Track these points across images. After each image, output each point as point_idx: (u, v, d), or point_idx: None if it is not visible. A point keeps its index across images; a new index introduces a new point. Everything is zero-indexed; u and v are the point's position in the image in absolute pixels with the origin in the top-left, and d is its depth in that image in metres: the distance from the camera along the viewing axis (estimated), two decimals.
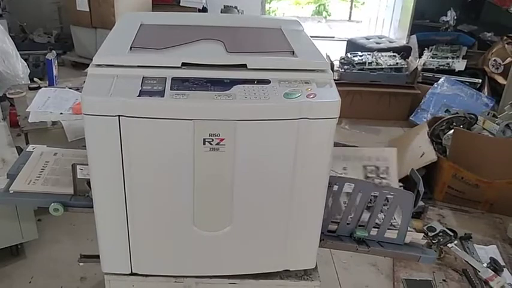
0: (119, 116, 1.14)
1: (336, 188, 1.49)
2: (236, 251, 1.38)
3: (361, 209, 1.51)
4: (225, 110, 1.16)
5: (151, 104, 1.14)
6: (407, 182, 1.72)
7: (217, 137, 1.18)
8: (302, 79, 1.24)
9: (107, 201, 1.27)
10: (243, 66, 1.24)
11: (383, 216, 1.51)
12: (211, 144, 1.18)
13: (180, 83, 1.19)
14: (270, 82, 1.22)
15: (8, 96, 2.77)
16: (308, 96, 1.20)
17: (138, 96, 1.14)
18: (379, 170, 1.67)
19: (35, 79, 3.13)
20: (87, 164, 1.26)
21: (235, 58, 1.26)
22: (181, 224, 1.31)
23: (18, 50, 3.69)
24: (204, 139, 1.18)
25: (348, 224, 1.52)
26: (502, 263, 2.37)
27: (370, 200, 1.52)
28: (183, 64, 1.23)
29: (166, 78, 1.20)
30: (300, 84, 1.23)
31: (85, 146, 1.21)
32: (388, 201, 1.51)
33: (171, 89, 1.17)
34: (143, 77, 1.19)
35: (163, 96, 1.14)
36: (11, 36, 3.81)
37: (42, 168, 1.56)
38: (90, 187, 1.39)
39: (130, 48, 1.27)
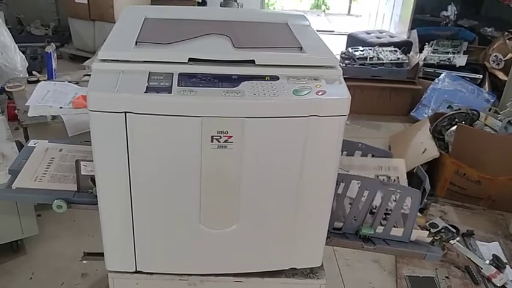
0: (125, 112, 1.11)
1: (342, 185, 1.49)
2: (242, 249, 1.36)
3: (367, 207, 1.50)
4: (234, 106, 1.14)
5: (158, 100, 1.11)
6: (410, 177, 1.71)
7: (225, 134, 1.16)
8: (311, 75, 1.22)
9: (112, 198, 1.24)
10: (251, 62, 1.22)
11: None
12: (219, 141, 1.16)
13: (187, 79, 1.16)
14: (278, 78, 1.20)
15: (7, 89, 2.74)
16: (317, 93, 1.18)
17: (145, 92, 1.11)
18: (390, 180, 1.66)
19: (34, 72, 3.09)
20: (91, 161, 1.24)
21: (242, 54, 1.23)
22: (187, 221, 1.29)
23: (16, 43, 3.64)
24: (212, 136, 1.16)
25: (353, 221, 1.51)
26: (505, 260, 2.38)
27: None
28: (190, 59, 1.20)
29: (173, 74, 1.17)
30: (308, 81, 1.21)
31: (87, 141, 1.18)
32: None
33: (178, 85, 1.14)
34: (149, 73, 1.17)
35: (170, 92, 1.12)
36: (8, 28, 3.76)
37: (48, 165, 1.53)
38: (94, 184, 1.37)
39: (136, 43, 1.25)
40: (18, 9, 4.96)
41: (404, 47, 4.33)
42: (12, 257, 2.25)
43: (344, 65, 3.99)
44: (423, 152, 2.93)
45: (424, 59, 4.26)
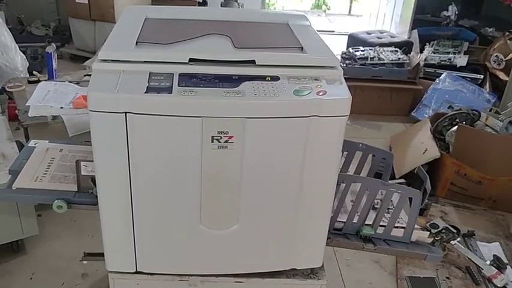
0: (126, 112, 1.11)
1: (343, 186, 1.48)
2: (243, 250, 1.36)
3: (368, 207, 1.50)
4: (235, 107, 1.14)
5: (159, 100, 1.11)
6: (410, 178, 1.71)
7: (225, 135, 1.16)
8: (311, 76, 1.22)
9: (113, 198, 1.24)
10: (251, 62, 1.21)
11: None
12: (219, 142, 1.16)
13: (188, 79, 1.16)
14: (279, 79, 1.20)
15: (7, 89, 2.73)
16: (318, 93, 1.17)
17: (146, 92, 1.11)
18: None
19: (34, 72, 3.08)
20: (92, 161, 1.24)
21: (243, 54, 1.23)
22: (187, 222, 1.29)
23: (16, 43, 3.64)
24: (212, 137, 1.15)
25: (354, 222, 1.51)
26: (505, 261, 2.37)
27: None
28: (191, 60, 1.20)
29: (173, 74, 1.17)
30: (309, 81, 1.21)
31: (87, 141, 1.18)
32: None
33: (178, 86, 1.14)
34: (150, 73, 1.16)
35: (171, 92, 1.12)
36: (8, 28, 3.76)
37: (49, 165, 1.53)
38: (94, 184, 1.37)
39: (136, 43, 1.25)
40: (19, 9, 4.96)
41: (405, 47, 4.32)
42: (12, 257, 2.25)
43: (345, 65, 3.99)
44: (424, 152, 2.93)
45: (425, 59, 4.25)
